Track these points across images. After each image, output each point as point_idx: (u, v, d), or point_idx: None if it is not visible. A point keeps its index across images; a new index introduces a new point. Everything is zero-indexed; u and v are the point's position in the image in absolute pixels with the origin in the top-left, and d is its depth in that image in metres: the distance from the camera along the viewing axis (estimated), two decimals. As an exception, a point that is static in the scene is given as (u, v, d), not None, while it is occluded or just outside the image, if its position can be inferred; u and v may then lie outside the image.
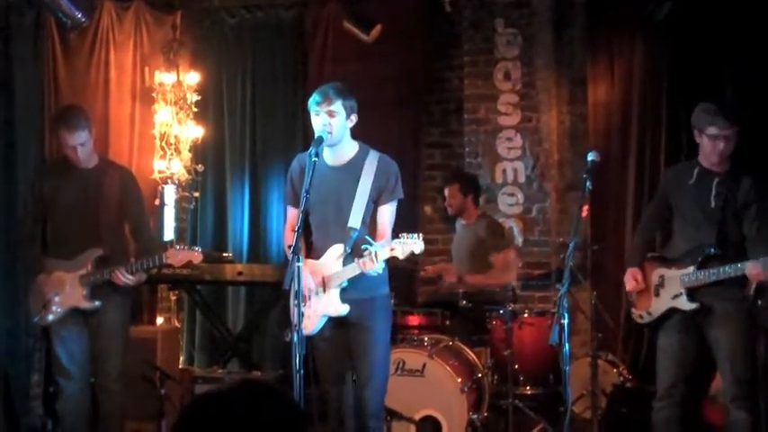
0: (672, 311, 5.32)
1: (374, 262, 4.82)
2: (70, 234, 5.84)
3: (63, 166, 5.87)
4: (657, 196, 5.72)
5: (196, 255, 5.69)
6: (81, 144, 5.72)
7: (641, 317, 5.51)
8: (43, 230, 5.98)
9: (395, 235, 5.00)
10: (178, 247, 5.72)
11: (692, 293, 5.24)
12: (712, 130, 5.21)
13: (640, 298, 5.51)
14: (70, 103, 7.05)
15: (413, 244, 4.80)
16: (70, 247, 5.82)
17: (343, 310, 4.98)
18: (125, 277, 5.65)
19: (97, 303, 5.75)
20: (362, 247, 4.88)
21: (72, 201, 5.82)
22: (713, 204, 5.25)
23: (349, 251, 4.97)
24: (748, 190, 5.23)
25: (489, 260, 7.35)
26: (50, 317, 5.83)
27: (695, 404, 5.93)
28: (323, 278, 5.00)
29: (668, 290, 5.35)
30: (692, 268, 5.24)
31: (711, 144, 5.23)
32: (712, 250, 5.19)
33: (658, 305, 5.39)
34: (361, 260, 4.85)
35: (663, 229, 5.63)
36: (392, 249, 4.82)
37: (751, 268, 4.99)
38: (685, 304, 5.25)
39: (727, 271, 5.09)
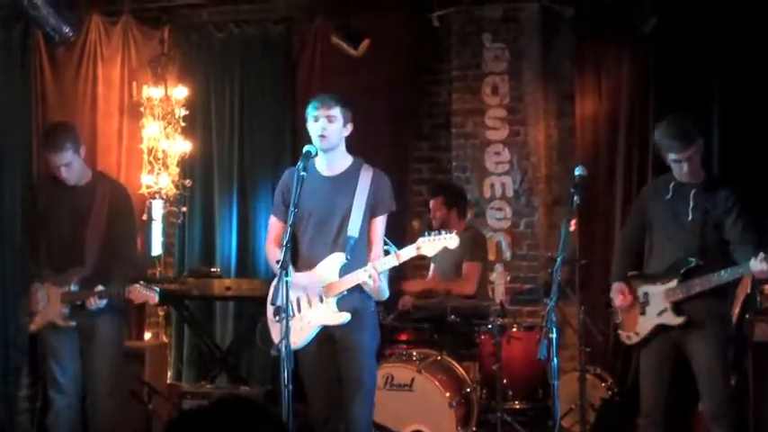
0: (659, 329, 5.31)
1: (377, 278, 4.86)
2: (59, 251, 5.82)
3: (55, 184, 5.83)
4: (635, 212, 5.70)
5: (152, 296, 5.63)
6: (65, 165, 5.67)
7: (629, 338, 5.47)
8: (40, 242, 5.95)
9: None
10: (142, 284, 5.66)
11: (677, 307, 5.23)
12: (672, 156, 5.25)
13: (627, 318, 5.48)
14: (59, 120, 6.99)
15: (446, 240, 4.83)
16: (59, 263, 5.80)
17: (345, 317, 4.95)
18: (96, 304, 5.64)
19: (72, 323, 5.73)
20: (385, 248, 4.94)
21: (62, 218, 5.79)
22: (690, 217, 5.26)
23: (349, 258, 4.96)
24: (726, 199, 5.24)
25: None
26: (32, 326, 5.84)
27: (684, 418, 5.94)
28: (323, 287, 4.98)
29: (653, 306, 5.33)
30: (675, 281, 5.23)
31: (677, 167, 5.28)
32: (694, 261, 5.20)
33: (645, 323, 5.36)
34: (367, 270, 4.87)
35: (644, 246, 5.61)
36: (418, 248, 4.86)
37: (760, 262, 4.88)
38: (672, 319, 5.23)
39: (723, 275, 5.08)
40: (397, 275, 5.09)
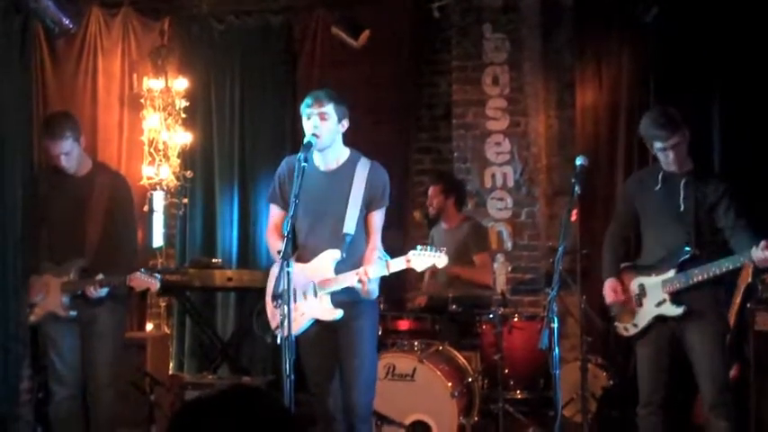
0: (657, 320, 5.31)
1: (367, 283, 4.86)
2: (59, 241, 5.83)
3: (56, 173, 5.83)
4: (622, 206, 5.68)
5: (153, 283, 5.62)
6: (65, 153, 5.68)
7: (626, 329, 5.46)
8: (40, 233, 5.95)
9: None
10: (143, 271, 5.66)
11: (676, 298, 5.24)
12: (658, 145, 5.25)
13: (623, 311, 5.47)
14: (59, 110, 6.98)
15: (435, 257, 4.83)
16: (59, 254, 5.81)
17: (338, 314, 4.95)
18: (96, 292, 5.65)
19: (73, 313, 5.73)
20: (377, 256, 4.92)
21: (62, 208, 5.80)
22: (683, 207, 5.26)
23: (345, 256, 4.97)
24: (716, 188, 5.25)
25: (472, 259, 7.36)
26: (32, 317, 5.85)
27: (685, 406, 5.95)
28: (317, 282, 4.99)
29: (651, 298, 5.32)
30: (672, 272, 5.23)
31: (663, 155, 5.28)
32: (690, 251, 5.20)
33: (643, 315, 5.35)
34: (359, 275, 4.87)
35: (634, 238, 5.62)
36: (408, 261, 4.85)
37: (762, 251, 4.87)
38: (672, 310, 5.22)
39: (724, 264, 5.07)
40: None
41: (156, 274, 5.68)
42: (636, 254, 5.59)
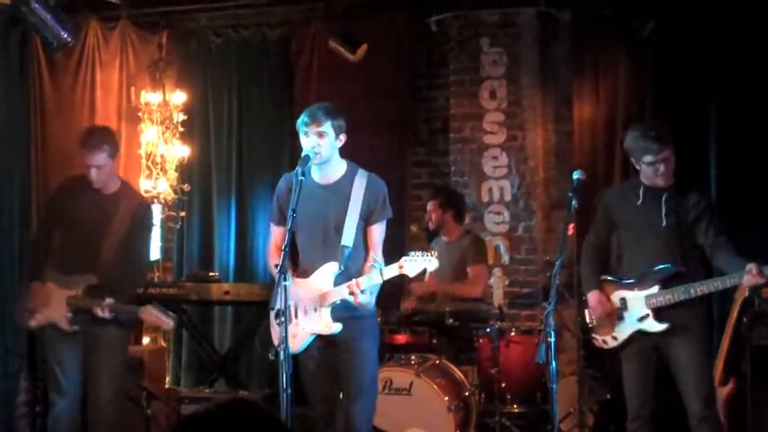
0: (638, 333, 5.31)
1: (360, 295, 4.85)
2: (73, 254, 5.78)
3: (82, 185, 5.80)
4: (601, 219, 5.65)
5: (166, 322, 5.64)
6: (96, 166, 5.67)
7: (605, 342, 5.46)
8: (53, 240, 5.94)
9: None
10: (155, 305, 5.64)
11: (658, 314, 5.24)
12: (648, 158, 5.24)
13: (602, 323, 5.47)
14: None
15: (426, 262, 4.83)
16: (70, 266, 5.75)
17: (336, 327, 4.94)
18: (104, 314, 5.62)
19: (76, 328, 5.71)
20: (369, 265, 4.92)
21: (82, 223, 5.76)
22: (665, 222, 5.26)
23: (343, 269, 4.97)
24: (696, 203, 5.27)
25: (467, 271, 7.36)
26: (33, 323, 5.81)
27: (680, 418, 5.95)
28: (316, 296, 4.99)
29: (633, 312, 5.32)
30: (656, 288, 5.23)
31: (652, 169, 5.27)
32: (674, 268, 5.21)
33: (623, 329, 5.36)
34: (350, 286, 4.87)
35: (611, 252, 5.61)
36: (401, 267, 4.84)
37: (752, 268, 4.91)
38: (654, 325, 5.23)
39: (714, 285, 5.10)
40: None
41: (171, 313, 5.68)
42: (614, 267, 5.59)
